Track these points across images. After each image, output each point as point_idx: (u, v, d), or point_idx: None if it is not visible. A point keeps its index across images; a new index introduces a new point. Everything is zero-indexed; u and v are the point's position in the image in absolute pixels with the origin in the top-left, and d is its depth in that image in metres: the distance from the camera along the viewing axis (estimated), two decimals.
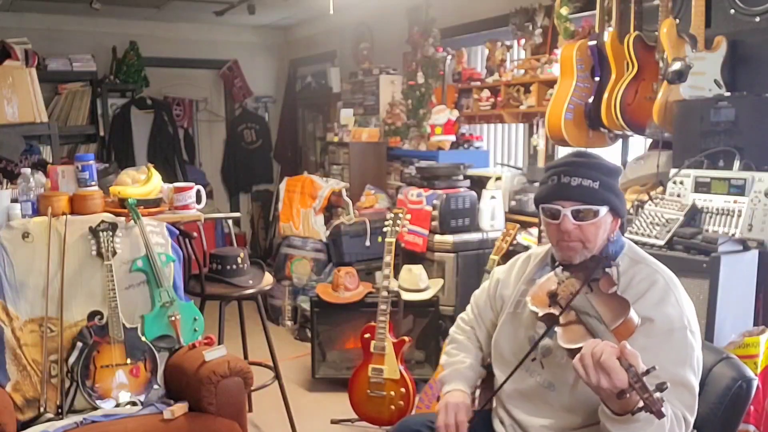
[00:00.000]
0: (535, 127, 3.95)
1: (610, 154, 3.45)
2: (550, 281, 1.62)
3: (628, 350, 1.29)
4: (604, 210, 1.59)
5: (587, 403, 1.49)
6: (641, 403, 1.24)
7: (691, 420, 1.46)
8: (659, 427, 1.35)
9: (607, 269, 1.55)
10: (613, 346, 1.31)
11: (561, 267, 1.63)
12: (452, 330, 2.00)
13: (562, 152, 3.72)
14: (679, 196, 2.47)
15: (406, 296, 3.54)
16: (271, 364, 3.15)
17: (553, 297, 1.54)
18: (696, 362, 1.49)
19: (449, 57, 4.61)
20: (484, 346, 1.91)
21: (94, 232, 2.51)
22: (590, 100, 3.08)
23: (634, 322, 1.44)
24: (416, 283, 3.59)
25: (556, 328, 1.51)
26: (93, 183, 2.74)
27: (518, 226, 3.31)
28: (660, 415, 1.23)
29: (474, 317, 1.95)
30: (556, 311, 1.52)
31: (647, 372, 1.25)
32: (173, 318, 2.52)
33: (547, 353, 1.64)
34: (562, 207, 1.59)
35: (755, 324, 2.26)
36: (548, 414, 1.64)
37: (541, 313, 1.55)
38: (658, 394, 1.23)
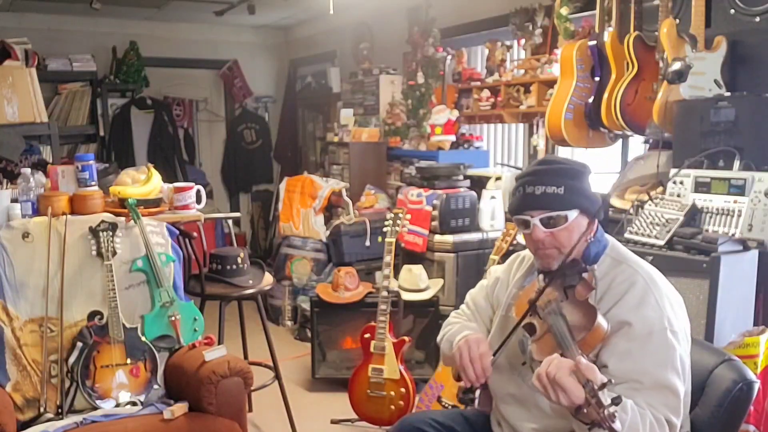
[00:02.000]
0: (535, 127, 3.95)
1: (610, 154, 3.46)
2: (532, 288, 1.64)
3: (584, 365, 1.29)
4: (573, 214, 1.59)
5: None
6: (596, 418, 1.24)
7: (677, 422, 1.46)
8: None
9: (584, 275, 1.55)
10: (569, 363, 1.31)
11: (542, 275, 1.64)
12: (447, 320, 1.97)
13: (561, 152, 3.72)
14: (679, 196, 2.47)
15: (406, 296, 3.54)
16: (271, 364, 3.15)
17: (532, 305, 1.56)
18: (679, 363, 1.48)
19: (449, 57, 4.61)
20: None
21: (94, 232, 2.50)
22: (590, 100, 3.08)
23: (603, 329, 1.45)
24: (416, 283, 3.59)
25: (531, 340, 1.54)
26: (93, 183, 2.74)
27: None
28: (612, 431, 1.23)
29: (471, 313, 1.95)
30: (534, 320, 1.54)
31: (604, 385, 1.26)
32: (173, 318, 2.52)
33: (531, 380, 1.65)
34: (530, 217, 1.60)
35: (755, 324, 2.26)
36: (539, 417, 1.65)
37: (523, 323, 1.57)
38: (611, 409, 1.23)
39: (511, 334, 1.62)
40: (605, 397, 1.24)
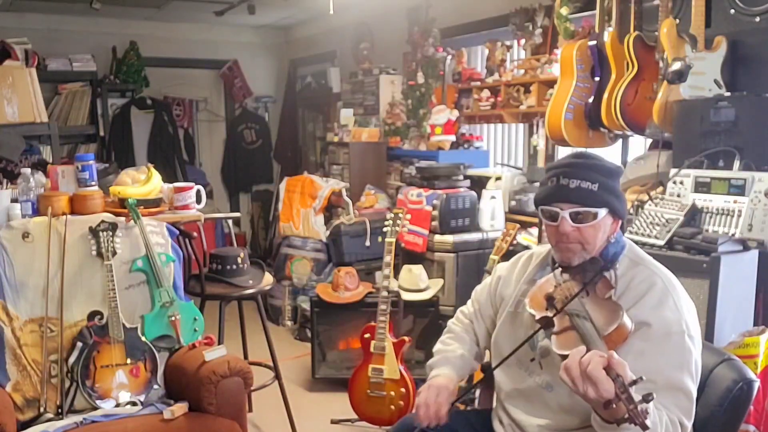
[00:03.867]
0: (535, 127, 3.95)
1: (610, 154, 3.45)
2: (548, 283, 1.62)
3: (616, 360, 1.28)
4: (603, 212, 1.58)
5: (584, 405, 1.49)
6: (627, 414, 1.23)
7: (689, 425, 1.46)
8: None
9: (604, 273, 1.54)
10: (602, 356, 1.29)
11: (560, 269, 1.63)
12: (451, 321, 2.00)
13: (561, 152, 3.72)
14: (679, 196, 2.47)
15: (406, 296, 3.53)
16: (271, 364, 3.15)
17: (550, 300, 1.54)
18: (694, 367, 1.48)
19: (449, 57, 4.61)
20: (482, 341, 1.91)
21: (94, 232, 2.50)
22: (590, 100, 3.08)
23: (627, 328, 1.43)
24: (416, 283, 3.59)
25: (550, 333, 1.51)
26: (93, 183, 2.74)
27: (518, 226, 3.31)
28: (644, 428, 1.22)
29: (474, 311, 1.95)
30: (551, 315, 1.52)
31: (635, 382, 1.24)
32: (173, 318, 2.52)
33: (546, 354, 1.64)
34: (560, 209, 1.58)
35: (755, 324, 2.26)
36: (546, 414, 1.64)
37: (537, 316, 1.55)
38: (643, 406, 1.21)
39: (535, 333, 1.58)
40: (635, 393, 1.23)
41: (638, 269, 1.61)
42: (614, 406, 1.25)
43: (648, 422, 1.22)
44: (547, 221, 1.63)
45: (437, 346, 1.94)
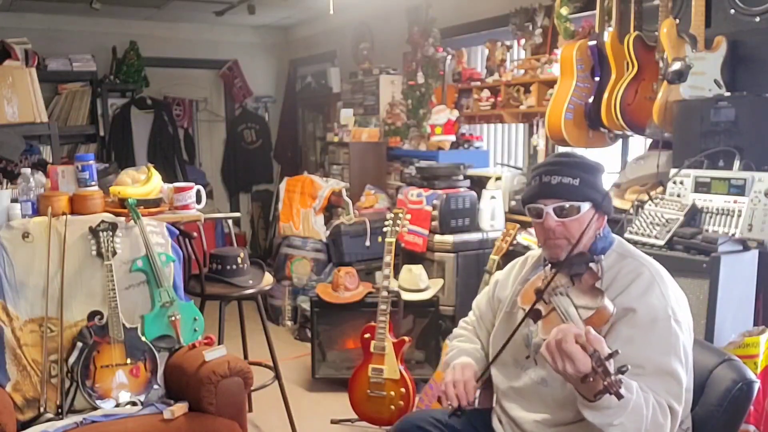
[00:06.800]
0: (535, 127, 3.95)
1: (610, 154, 3.46)
2: (538, 279, 1.66)
3: (593, 335, 1.31)
4: (586, 206, 1.62)
5: None
6: (602, 386, 1.25)
7: (678, 408, 1.47)
8: (636, 413, 1.37)
9: (590, 264, 1.58)
10: (576, 331, 1.33)
11: (549, 265, 1.66)
12: (455, 329, 2.05)
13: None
14: (679, 196, 2.47)
15: (406, 296, 3.54)
16: (271, 364, 3.15)
17: (538, 293, 1.58)
18: (682, 351, 1.50)
19: (449, 57, 4.61)
20: (485, 346, 1.94)
21: (94, 232, 2.51)
22: (590, 100, 3.08)
23: (608, 311, 1.47)
24: (416, 283, 3.59)
25: (538, 321, 1.55)
26: (93, 183, 2.74)
27: (518, 226, 3.31)
28: (619, 396, 1.25)
29: (476, 319, 2.00)
30: (539, 305, 1.56)
31: (611, 356, 1.27)
32: (173, 318, 2.52)
33: (540, 350, 1.65)
34: (544, 205, 1.63)
35: (755, 324, 2.27)
36: (542, 409, 1.66)
37: (527, 309, 1.58)
38: (617, 376, 1.25)
39: (521, 324, 1.62)
40: (611, 366, 1.26)
41: (626, 261, 1.64)
42: (591, 380, 1.27)
43: (623, 391, 1.25)
44: (534, 219, 1.68)
45: (449, 348, 1.97)
